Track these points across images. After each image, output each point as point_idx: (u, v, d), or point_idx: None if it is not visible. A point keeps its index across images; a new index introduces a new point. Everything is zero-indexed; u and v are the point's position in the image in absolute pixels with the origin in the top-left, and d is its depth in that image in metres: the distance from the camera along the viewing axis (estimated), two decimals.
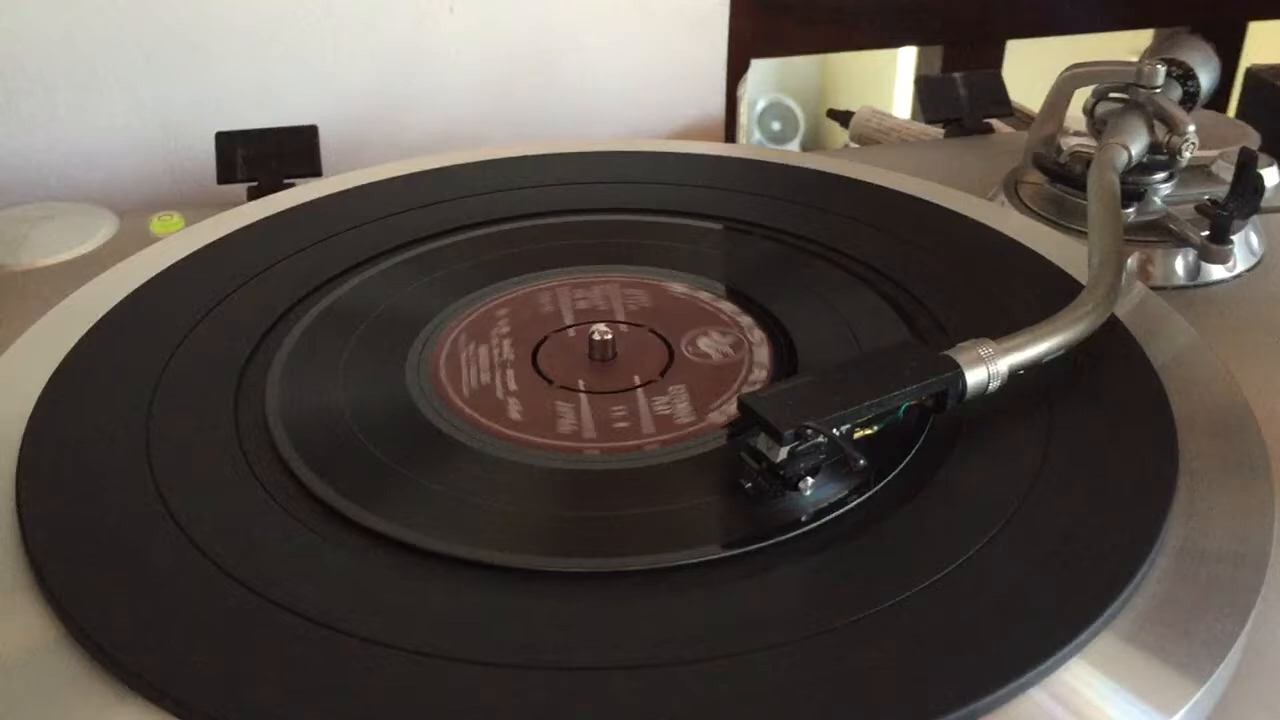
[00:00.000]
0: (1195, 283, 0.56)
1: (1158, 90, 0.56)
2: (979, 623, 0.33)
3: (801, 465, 0.38)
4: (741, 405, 0.38)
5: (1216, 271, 0.56)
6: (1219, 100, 0.92)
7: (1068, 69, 0.60)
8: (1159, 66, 0.56)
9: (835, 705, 0.31)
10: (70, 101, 0.73)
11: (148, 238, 0.60)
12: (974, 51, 1.03)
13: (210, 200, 0.68)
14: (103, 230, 0.62)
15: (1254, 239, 0.57)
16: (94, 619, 0.33)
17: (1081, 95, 0.61)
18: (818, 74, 2.24)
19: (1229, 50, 1.04)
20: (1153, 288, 0.55)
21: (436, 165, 0.62)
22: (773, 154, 0.65)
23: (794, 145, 2.15)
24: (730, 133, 0.93)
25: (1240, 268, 0.56)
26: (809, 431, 0.37)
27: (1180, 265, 0.56)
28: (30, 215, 0.63)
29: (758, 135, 2.22)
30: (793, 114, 2.23)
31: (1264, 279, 0.56)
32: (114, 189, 0.76)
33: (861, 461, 0.36)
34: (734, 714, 0.30)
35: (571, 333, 0.48)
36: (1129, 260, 0.55)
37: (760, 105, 2.24)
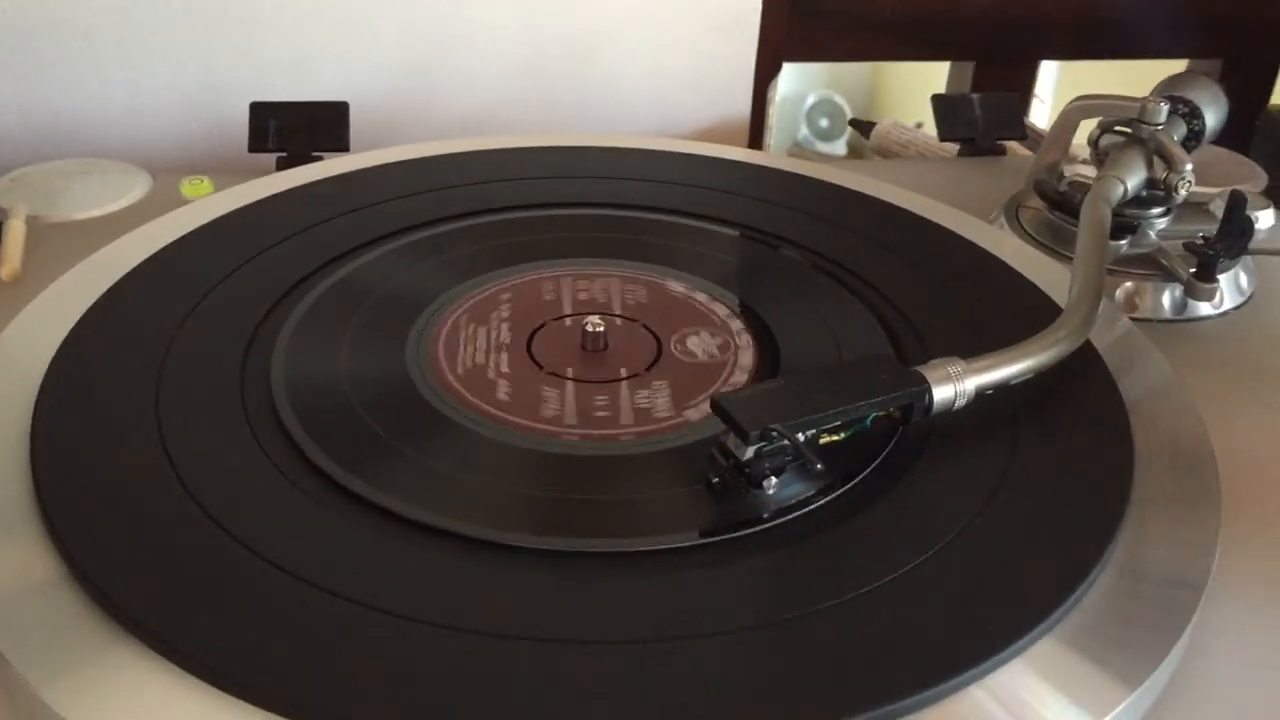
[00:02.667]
0: (1181, 317, 0.57)
1: (1159, 127, 0.58)
2: (924, 623, 0.36)
3: (766, 465, 0.40)
4: (714, 404, 0.40)
5: (1203, 308, 0.57)
6: (1244, 138, 0.93)
7: (1074, 100, 0.62)
8: (1162, 104, 0.58)
9: (771, 694, 0.33)
10: (118, 63, 0.75)
11: (178, 199, 0.63)
12: (1005, 71, 1.04)
13: (243, 166, 0.70)
14: (136, 189, 0.64)
15: (1243, 278, 0.59)
16: (93, 560, 0.35)
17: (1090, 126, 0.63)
18: (869, 72, 2.24)
19: (1261, 89, 1.04)
20: (1139, 319, 0.56)
21: (457, 150, 0.64)
22: (783, 162, 0.67)
23: (840, 143, 2.13)
24: (758, 134, 0.94)
25: (1227, 305, 0.58)
26: (774, 434, 0.39)
27: (1167, 299, 0.57)
28: (70, 170, 0.66)
29: (804, 131, 2.21)
30: (841, 111, 2.21)
31: (1249, 319, 0.58)
32: (154, 149, 0.78)
33: (819, 466, 0.38)
34: (669, 697, 0.32)
35: (568, 322, 0.50)
36: (1117, 291, 0.57)
37: (809, 101, 2.22)
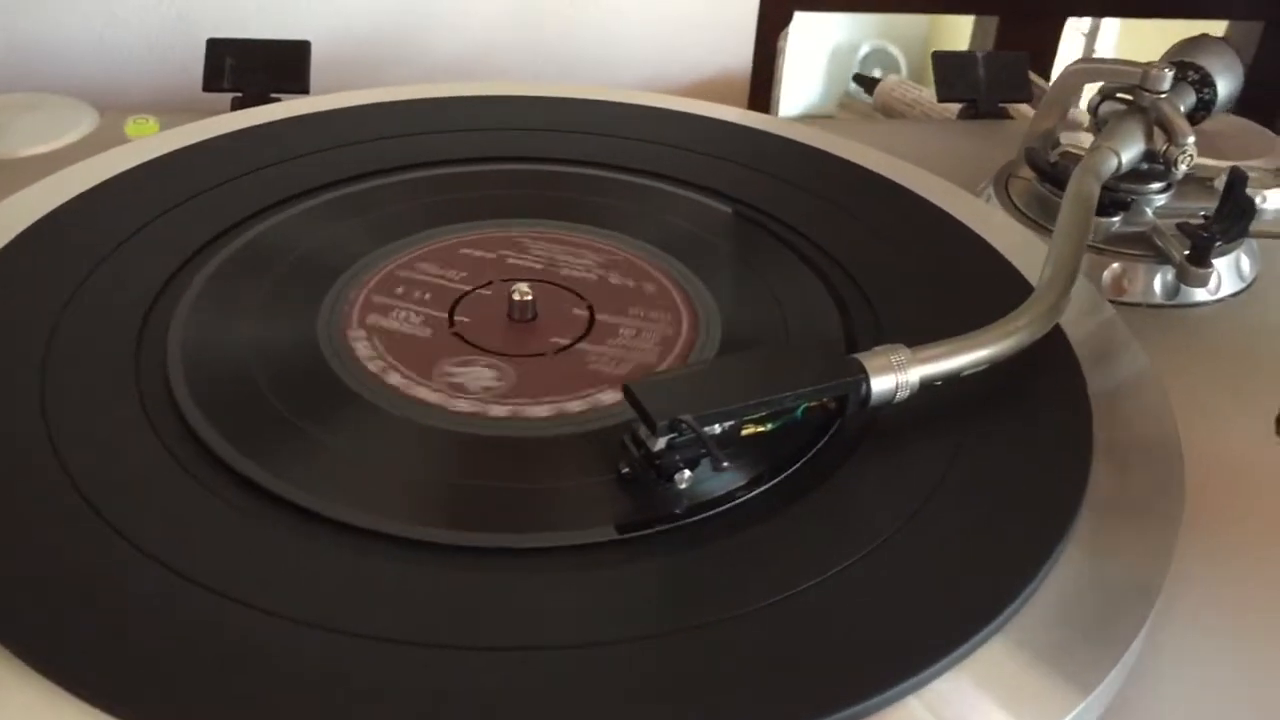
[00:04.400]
0: (1173, 302, 0.53)
1: (1163, 95, 0.53)
2: (854, 629, 0.33)
3: (679, 457, 0.36)
4: (625, 389, 0.37)
5: (1197, 294, 0.53)
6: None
7: (1073, 63, 0.57)
8: (1167, 71, 0.53)
9: (679, 711, 0.30)
10: None
11: (122, 138, 0.60)
12: (1030, 25, 0.99)
13: (204, 106, 0.67)
14: (81, 127, 0.62)
15: (1245, 263, 0.54)
16: None
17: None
18: (927, 24, 2.16)
19: None
20: (1126, 303, 0.53)
21: (409, 97, 0.61)
22: (752, 119, 0.63)
23: None
24: (764, 88, 0.90)
25: (1225, 291, 0.54)
26: (684, 425, 0.35)
27: (1159, 283, 0.53)
28: (16, 104, 0.63)
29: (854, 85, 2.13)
30: (895, 61, 2.13)
31: (1247, 306, 0.54)
32: (128, 86, 0.76)
33: (725, 464, 0.35)
34: (565, 709, 0.30)
35: (488, 291, 0.46)
36: (1104, 272, 0.53)
37: (863, 50, 2.14)
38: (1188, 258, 0.51)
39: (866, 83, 0.82)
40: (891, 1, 1.01)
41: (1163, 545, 0.37)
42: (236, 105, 0.64)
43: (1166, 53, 0.59)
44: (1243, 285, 0.54)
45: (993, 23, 1.00)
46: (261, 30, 0.72)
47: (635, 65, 0.84)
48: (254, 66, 0.64)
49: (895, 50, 2.13)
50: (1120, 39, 1.31)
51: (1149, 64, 0.54)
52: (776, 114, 0.93)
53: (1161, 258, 0.53)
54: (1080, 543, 0.37)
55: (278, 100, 0.64)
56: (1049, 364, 0.44)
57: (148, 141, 0.54)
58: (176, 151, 0.53)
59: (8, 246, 0.46)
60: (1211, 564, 0.40)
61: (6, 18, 0.72)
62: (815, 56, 2.09)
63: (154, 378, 0.40)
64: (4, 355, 0.41)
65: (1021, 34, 0.97)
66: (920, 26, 2.11)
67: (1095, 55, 1.25)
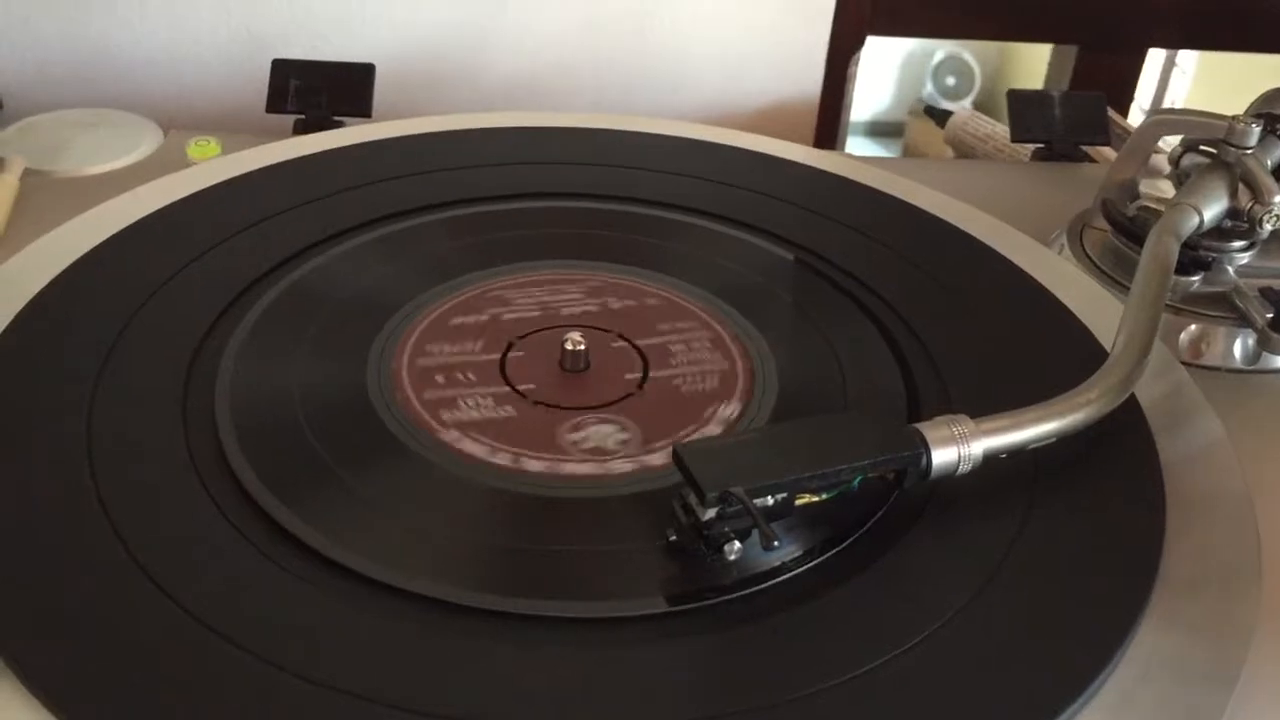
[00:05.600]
0: (1253, 368, 0.51)
1: (1249, 151, 0.51)
2: None
3: (728, 528, 0.35)
4: (675, 455, 0.35)
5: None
6: None
7: (1155, 113, 0.55)
8: (1254, 125, 0.51)
9: None
10: (160, 7, 0.72)
11: (184, 157, 0.60)
12: (1109, 57, 0.96)
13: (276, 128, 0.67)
14: (142, 146, 0.62)
15: None
16: None
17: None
18: None
19: None
20: (1203, 367, 0.50)
21: (469, 126, 0.60)
22: (816, 158, 0.61)
23: (967, 103, 2.02)
24: (832, 116, 0.88)
25: None
26: (734, 496, 0.34)
27: (1239, 348, 0.51)
28: (80, 121, 0.64)
29: (929, 88, 2.10)
30: (970, 70, 2.10)
31: None
32: (194, 102, 0.76)
33: (776, 542, 0.33)
34: None
35: (527, 344, 0.45)
36: (1181, 334, 0.51)
37: (936, 58, 2.12)
38: (1270, 322, 0.49)
39: (938, 115, 0.79)
40: (966, 28, 0.99)
41: (1240, 630, 0.35)
42: (298, 127, 0.64)
43: (1253, 104, 0.56)
44: None
45: (1071, 52, 0.97)
46: (329, 46, 0.72)
47: (701, 89, 0.83)
48: (317, 88, 0.64)
49: (969, 57, 2.09)
50: (1201, 61, 1.27)
51: (1235, 117, 0.52)
52: (844, 142, 0.92)
53: (1243, 321, 0.51)
54: (1152, 626, 0.35)
55: (339, 123, 0.63)
56: (1118, 430, 0.42)
57: (206, 168, 0.54)
58: (232, 180, 0.53)
59: (58, 278, 0.45)
60: None
61: (72, 29, 0.73)
62: (888, 62, 2.07)
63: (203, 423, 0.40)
64: (52, 389, 0.40)
65: (1100, 60, 0.95)
66: None
67: (1177, 65, 1.22)
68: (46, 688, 0.30)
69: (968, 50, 2.10)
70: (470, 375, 0.43)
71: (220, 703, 0.30)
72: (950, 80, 2.11)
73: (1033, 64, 1.42)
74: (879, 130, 2.04)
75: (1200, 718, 0.33)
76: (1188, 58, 1.32)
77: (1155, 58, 1.30)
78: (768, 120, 0.84)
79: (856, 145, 1.91)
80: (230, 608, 0.33)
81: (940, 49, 2.09)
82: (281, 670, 0.31)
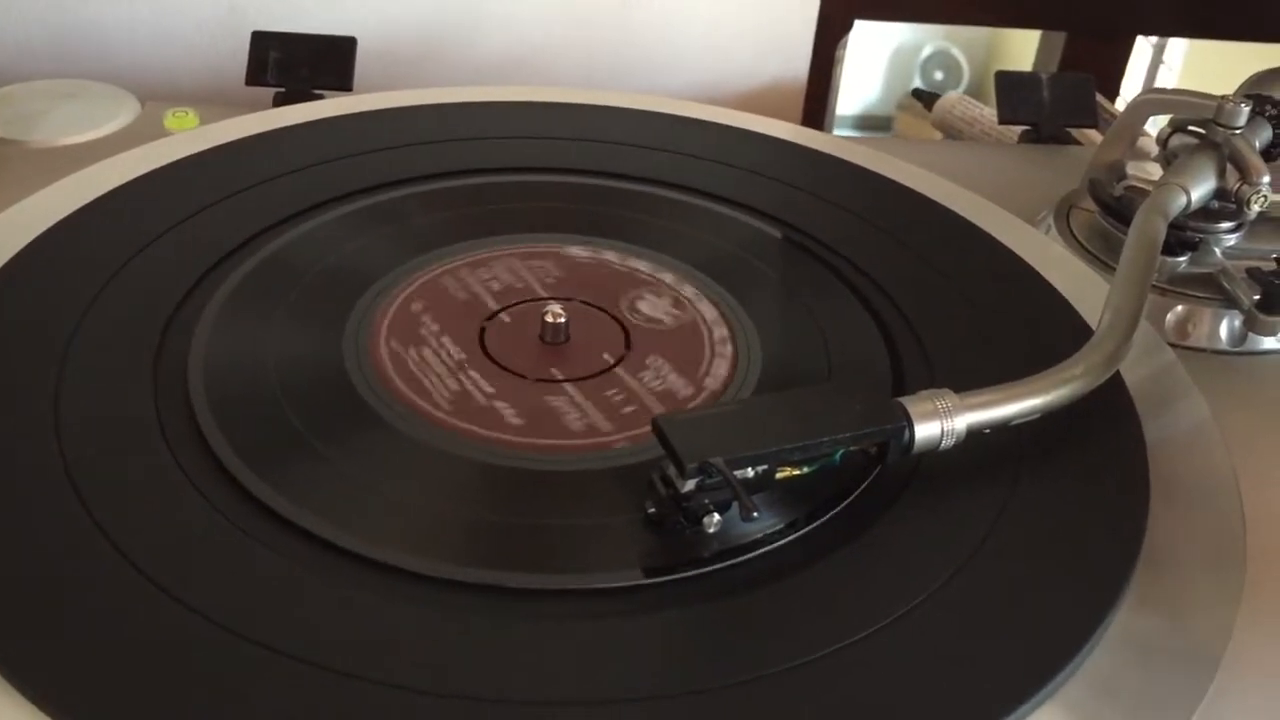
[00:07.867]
0: (1240, 350, 0.51)
1: (1237, 131, 0.51)
2: (883, 700, 0.31)
3: (708, 500, 0.35)
4: (654, 425, 0.35)
5: (1266, 341, 0.50)
6: None
7: (1142, 93, 0.54)
8: (1242, 105, 0.51)
9: None
10: None
11: (160, 129, 0.59)
12: (1098, 45, 0.96)
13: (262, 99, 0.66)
14: (121, 116, 0.61)
15: None
16: None
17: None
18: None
19: None
20: (1189, 348, 0.50)
21: (453, 100, 0.59)
22: (801, 135, 0.60)
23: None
24: (820, 98, 0.88)
25: None
26: (713, 468, 0.34)
27: (1225, 329, 0.50)
28: (56, 91, 0.63)
29: (918, 83, 2.10)
30: (958, 64, 2.10)
31: None
32: (173, 72, 0.75)
33: (755, 514, 0.33)
34: None
35: (506, 317, 0.45)
36: (1168, 315, 0.51)
37: (925, 53, 2.11)
38: (1257, 304, 0.49)
39: (926, 98, 0.79)
40: (955, 14, 0.98)
41: (1223, 611, 0.35)
42: (278, 100, 0.63)
43: (1242, 85, 0.56)
44: None
45: (1060, 39, 0.97)
46: (313, 20, 0.71)
47: (688, 69, 0.82)
48: (298, 62, 0.63)
49: (958, 53, 2.09)
50: (1189, 54, 1.27)
51: (1223, 97, 0.51)
52: (832, 125, 0.91)
53: (1229, 302, 0.50)
54: (1133, 607, 0.35)
55: (319, 97, 0.63)
56: (1103, 410, 0.41)
57: (183, 138, 0.53)
58: (210, 149, 0.52)
59: (28, 247, 0.44)
60: (1276, 631, 0.37)
61: (51, 1, 0.72)
62: (877, 57, 2.06)
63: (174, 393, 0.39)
64: (22, 358, 0.39)
65: (1088, 49, 0.94)
66: (983, 31, 2.05)
67: (1164, 63, 1.22)
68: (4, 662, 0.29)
69: (956, 45, 2.10)
70: (449, 348, 0.43)
71: (183, 671, 0.29)
72: (938, 75, 2.10)
73: (1020, 59, 1.42)
74: (867, 124, 2.04)
75: (1182, 699, 0.32)
76: (1174, 53, 1.32)
77: (1142, 55, 1.30)
78: (755, 102, 0.83)
79: None
80: (182, 562, 0.32)
81: (929, 43, 2.09)
82: (245, 640, 0.30)
